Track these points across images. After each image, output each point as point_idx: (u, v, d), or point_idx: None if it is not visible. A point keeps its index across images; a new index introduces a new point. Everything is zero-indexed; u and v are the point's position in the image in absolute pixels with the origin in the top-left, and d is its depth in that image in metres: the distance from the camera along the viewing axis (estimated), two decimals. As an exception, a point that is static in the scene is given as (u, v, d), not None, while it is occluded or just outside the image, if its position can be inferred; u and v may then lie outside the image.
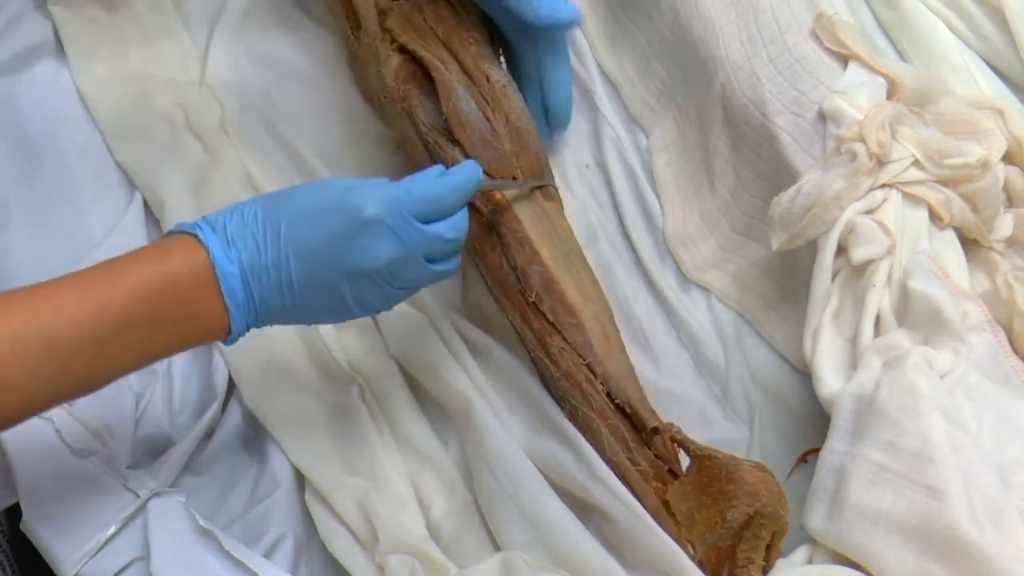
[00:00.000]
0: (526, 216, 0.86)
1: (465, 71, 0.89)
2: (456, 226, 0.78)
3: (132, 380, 0.89)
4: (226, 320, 0.74)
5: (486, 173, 0.84)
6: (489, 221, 0.86)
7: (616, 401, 0.82)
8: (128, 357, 0.73)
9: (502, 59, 0.97)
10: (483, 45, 0.93)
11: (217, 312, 0.74)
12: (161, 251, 0.74)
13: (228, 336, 0.75)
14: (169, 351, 0.75)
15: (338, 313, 0.78)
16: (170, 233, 0.76)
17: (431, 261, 0.78)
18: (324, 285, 0.75)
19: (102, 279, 0.71)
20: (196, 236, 0.74)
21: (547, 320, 0.83)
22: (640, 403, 0.82)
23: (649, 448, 0.81)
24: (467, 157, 0.86)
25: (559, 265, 0.85)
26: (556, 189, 0.90)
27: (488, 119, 0.88)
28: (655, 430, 0.81)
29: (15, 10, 1.05)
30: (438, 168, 0.79)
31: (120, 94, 1.02)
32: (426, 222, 0.76)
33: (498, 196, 0.86)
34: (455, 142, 0.88)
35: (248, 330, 0.76)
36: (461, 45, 0.90)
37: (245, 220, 0.74)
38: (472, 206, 0.85)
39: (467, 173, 0.79)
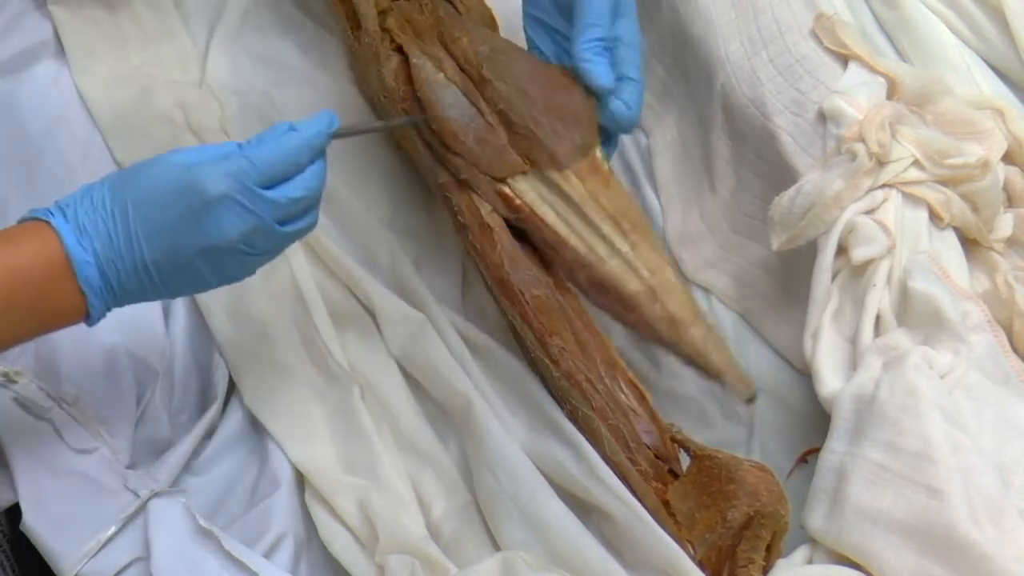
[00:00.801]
0: (547, 211, 0.85)
1: (461, 68, 0.89)
2: (305, 184, 0.76)
3: (132, 380, 0.89)
4: (84, 306, 0.74)
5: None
6: (520, 229, 0.86)
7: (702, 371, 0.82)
8: None
9: None
10: (472, 30, 0.92)
11: (74, 299, 0.74)
12: (13, 241, 0.73)
13: (88, 319, 0.75)
14: (26, 336, 0.75)
15: (200, 286, 0.77)
16: (22, 220, 0.75)
17: (286, 223, 0.77)
18: (180, 265, 0.75)
19: None
20: (49, 224, 0.74)
21: (533, 319, 0.83)
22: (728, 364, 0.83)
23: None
24: (468, 164, 0.86)
25: (598, 256, 0.84)
26: (425, 123, 0.87)
27: (481, 112, 0.87)
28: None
29: (15, 10, 1.04)
30: (284, 125, 0.78)
31: (120, 94, 1.02)
32: (275, 186, 0.75)
33: (517, 201, 0.85)
34: (455, 153, 0.87)
35: (108, 311, 0.76)
36: (453, 41, 0.90)
37: (95, 205, 0.74)
38: (470, 206, 0.85)
39: (314, 129, 0.77)
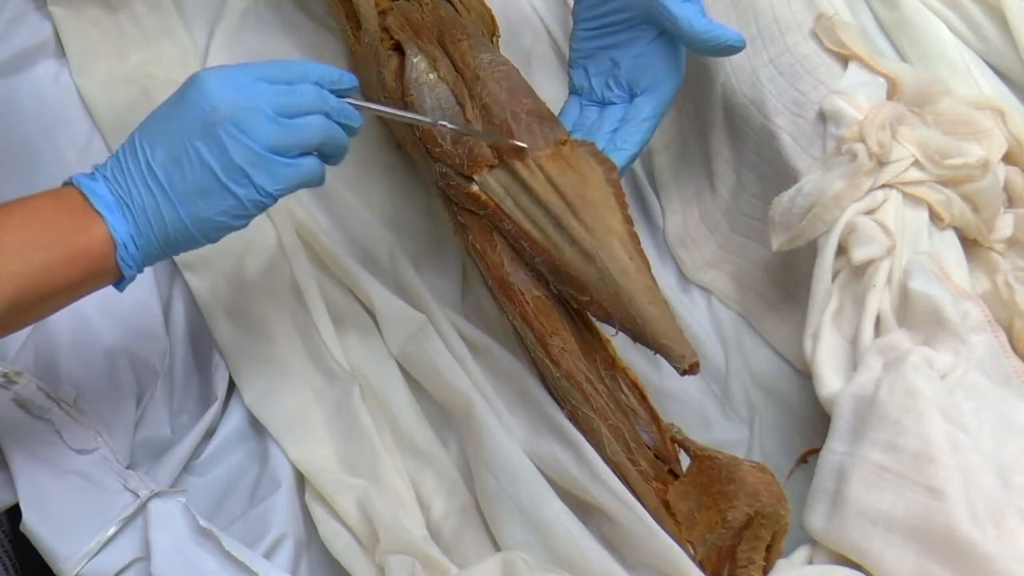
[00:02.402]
0: (510, 204, 0.84)
1: (456, 68, 0.89)
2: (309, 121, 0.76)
3: (132, 380, 0.89)
4: (106, 233, 0.74)
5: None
6: (494, 226, 0.85)
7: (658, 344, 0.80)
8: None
9: None
10: (477, 38, 0.92)
11: (94, 226, 0.74)
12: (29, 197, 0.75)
13: (116, 253, 0.74)
14: (60, 284, 0.74)
15: (217, 194, 0.74)
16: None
17: (282, 154, 0.75)
18: (179, 153, 0.74)
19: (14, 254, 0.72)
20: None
21: (534, 318, 0.83)
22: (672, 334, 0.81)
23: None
24: (450, 170, 0.86)
25: (554, 241, 0.83)
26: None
27: (464, 109, 0.86)
28: (694, 366, 0.80)
29: (15, 10, 1.04)
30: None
31: (120, 94, 1.02)
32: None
33: (483, 198, 0.85)
34: (435, 158, 0.87)
35: (136, 249, 0.75)
36: (453, 42, 0.90)
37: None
38: (470, 212, 0.85)
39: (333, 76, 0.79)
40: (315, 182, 0.78)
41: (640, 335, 0.80)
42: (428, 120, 0.85)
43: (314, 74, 0.78)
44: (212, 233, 0.76)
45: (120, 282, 0.76)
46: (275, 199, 0.76)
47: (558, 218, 0.82)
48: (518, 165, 0.84)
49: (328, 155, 0.79)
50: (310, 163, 0.77)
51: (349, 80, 0.79)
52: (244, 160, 0.74)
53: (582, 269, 0.82)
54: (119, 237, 0.74)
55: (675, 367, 0.79)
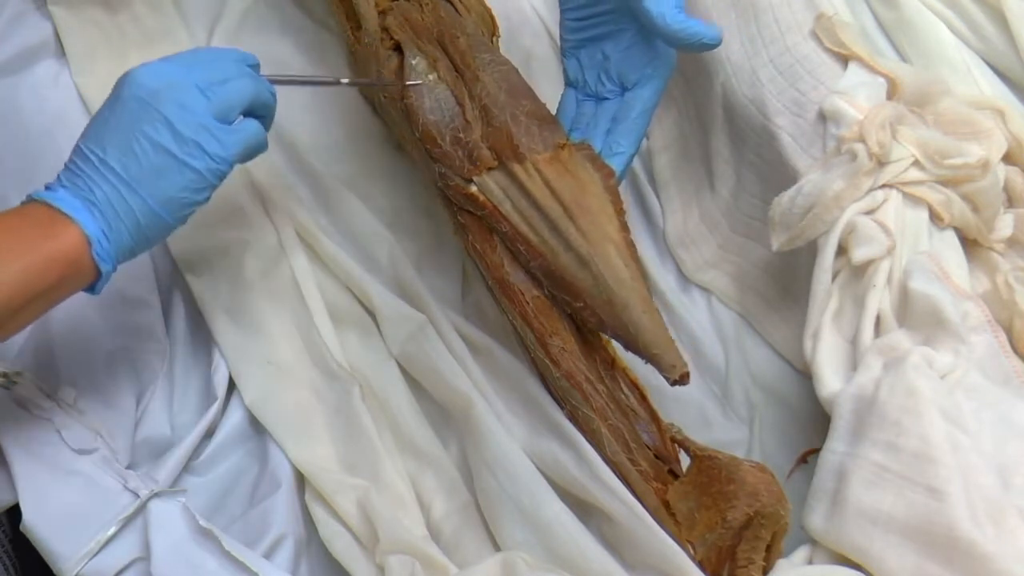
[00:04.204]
0: (508, 207, 0.84)
1: (456, 68, 0.89)
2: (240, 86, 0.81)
3: (132, 380, 0.89)
4: (69, 222, 0.75)
5: None
6: (491, 227, 0.85)
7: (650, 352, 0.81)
8: None
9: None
10: (477, 38, 0.92)
11: (59, 221, 0.76)
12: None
13: (88, 243, 0.76)
14: (36, 286, 0.75)
15: (175, 171, 0.77)
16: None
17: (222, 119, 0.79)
18: (130, 143, 0.76)
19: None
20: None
21: (533, 318, 0.83)
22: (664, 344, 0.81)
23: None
24: (449, 171, 0.86)
25: (550, 245, 0.83)
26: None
27: (463, 109, 0.87)
28: (685, 376, 0.80)
29: (15, 10, 1.04)
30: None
31: (120, 94, 1.02)
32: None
33: (481, 199, 0.85)
34: (435, 159, 0.87)
35: (108, 242, 0.77)
36: (452, 42, 0.90)
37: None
38: (469, 213, 0.85)
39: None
40: (261, 144, 0.82)
41: (632, 343, 0.81)
42: (331, 80, 0.92)
43: (226, 51, 0.83)
44: (179, 211, 0.78)
45: (97, 281, 0.78)
46: (231, 165, 0.79)
47: (555, 222, 0.82)
48: (516, 168, 0.84)
49: (261, 115, 0.83)
50: (252, 126, 0.81)
51: (252, 57, 0.84)
52: (193, 132, 0.77)
53: (577, 275, 0.82)
54: (91, 233, 0.76)
55: (665, 377, 0.80)
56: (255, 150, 0.82)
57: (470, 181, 0.85)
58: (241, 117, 0.81)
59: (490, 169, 0.85)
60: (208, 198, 0.79)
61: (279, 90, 1.06)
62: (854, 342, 0.81)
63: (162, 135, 0.77)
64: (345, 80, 0.91)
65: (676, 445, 0.82)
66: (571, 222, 0.82)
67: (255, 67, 0.84)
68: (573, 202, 0.83)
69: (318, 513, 0.85)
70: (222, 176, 0.79)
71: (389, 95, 0.91)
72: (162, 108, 0.77)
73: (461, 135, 0.85)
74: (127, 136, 0.77)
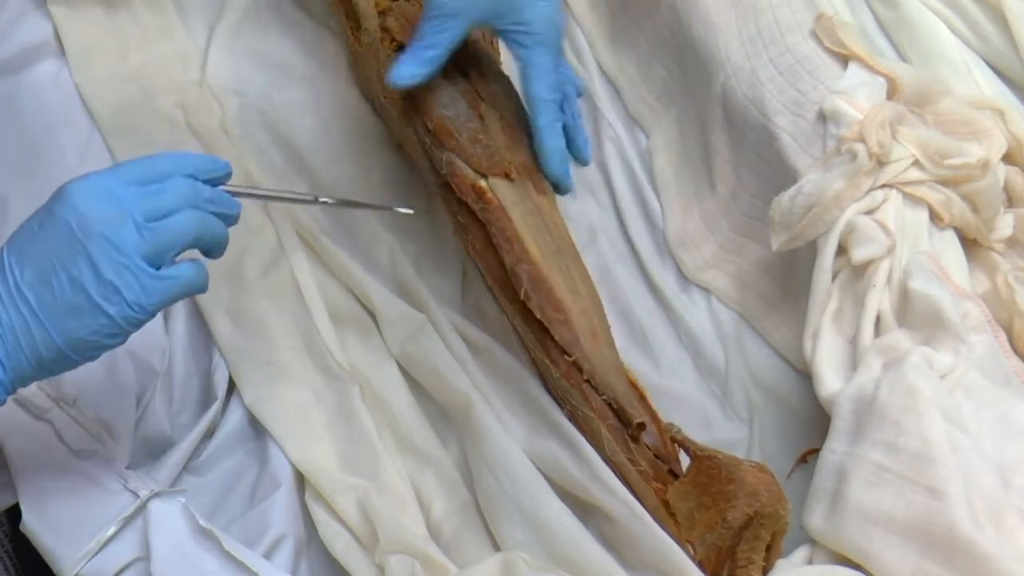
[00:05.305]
0: (516, 213, 0.85)
1: (459, 67, 0.89)
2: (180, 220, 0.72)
3: (132, 380, 0.89)
4: None
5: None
6: (481, 219, 0.85)
7: (603, 397, 0.81)
8: None
9: None
10: (479, 43, 0.92)
11: None
12: None
13: None
14: None
15: (88, 314, 0.70)
16: None
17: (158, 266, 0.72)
18: (48, 273, 0.70)
19: None
20: None
21: (534, 317, 0.83)
22: (625, 399, 0.82)
23: (636, 443, 0.81)
24: (460, 160, 0.86)
25: (548, 262, 0.84)
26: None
27: (481, 116, 0.87)
28: (640, 426, 0.81)
29: (15, 10, 1.04)
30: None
31: (120, 94, 1.02)
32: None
33: (488, 195, 0.85)
34: (448, 149, 0.87)
35: (12, 389, 0.72)
36: None
37: None
38: (465, 205, 0.85)
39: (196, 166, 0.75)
40: (196, 290, 0.74)
41: (600, 389, 0.82)
42: (309, 198, 0.84)
43: (187, 166, 0.74)
44: (87, 352, 0.72)
45: None
46: (150, 314, 0.72)
47: (561, 248, 0.83)
48: (532, 191, 0.85)
49: (207, 250, 0.75)
50: (186, 273, 0.73)
51: (224, 167, 0.76)
52: (115, 274, 0.70)
53: (564, 297, 0.82)
54: None
55: (624, 427, 0.81)
56: (187, 295, 0.74)
57: (482, 176, 0.85)
58: (188, 253, 0.73)
59: (508, 177, 0.85)
60: (123, 342, 0.72)
61: (279, 90, 1.06)
62: (854, 342, 0.81)
63: (83, 273, 0.70)
64: (325, 199, 0.84)
65: (676, 445, 0.82)
66: (574, 262, 0.85)
67: (225, 177, 0.76)
68: (563, 242, 0.86)
69: (318, 513, 0.85)
70: (138, 324, 0.72)
71: (389, 95, 0.92)
72: (89, 243, 0.69)
73: (481, 137, 0.86)
74: (47, 264, 0.70)
